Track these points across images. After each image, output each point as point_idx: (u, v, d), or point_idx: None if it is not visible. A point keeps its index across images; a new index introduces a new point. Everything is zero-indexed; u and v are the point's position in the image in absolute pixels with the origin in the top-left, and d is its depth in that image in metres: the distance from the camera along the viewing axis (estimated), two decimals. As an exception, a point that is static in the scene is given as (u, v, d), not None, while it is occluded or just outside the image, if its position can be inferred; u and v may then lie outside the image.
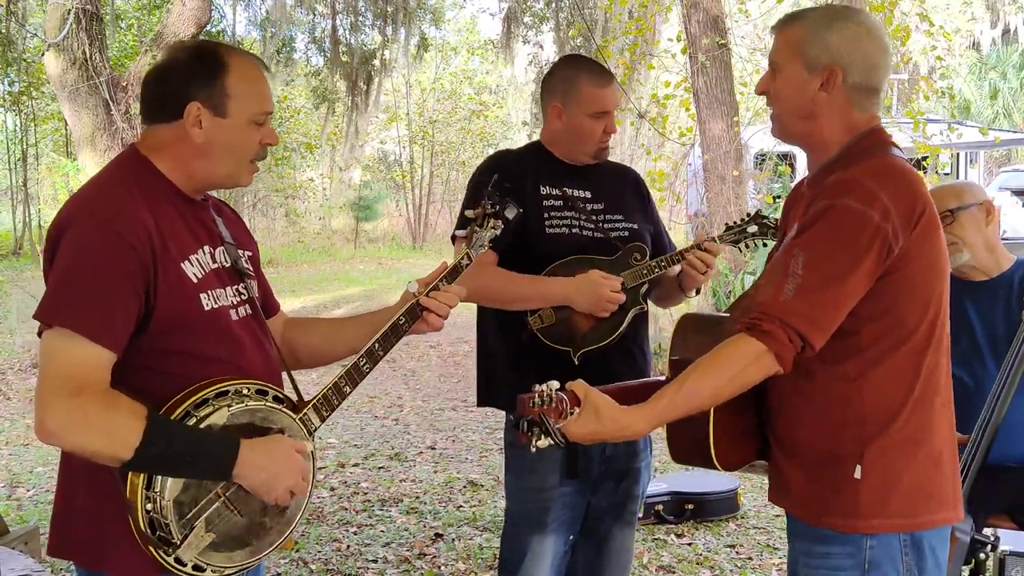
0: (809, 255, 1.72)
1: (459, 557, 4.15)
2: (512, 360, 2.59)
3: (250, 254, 1.96)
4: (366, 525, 4.56)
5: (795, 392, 1.83)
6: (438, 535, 4.43)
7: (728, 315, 2.02)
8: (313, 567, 4.01)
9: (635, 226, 2.65)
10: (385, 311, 2.01)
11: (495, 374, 2.65)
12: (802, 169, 11.72)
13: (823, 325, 1.71)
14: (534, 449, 1.71)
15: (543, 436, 1.69)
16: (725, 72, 9.04)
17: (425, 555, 4.19)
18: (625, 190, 2.73)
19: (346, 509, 4.78)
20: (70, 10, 8.48)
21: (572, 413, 1.71)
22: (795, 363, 1.73)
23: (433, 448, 6.01)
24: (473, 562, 4.10)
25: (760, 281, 1.91)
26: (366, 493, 5.08)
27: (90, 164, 8.89)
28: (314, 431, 1.85)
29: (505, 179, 2.26)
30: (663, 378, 1.92)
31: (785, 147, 13.14)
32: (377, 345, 1.92)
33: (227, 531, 1.69)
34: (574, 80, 2.57)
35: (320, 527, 4.50)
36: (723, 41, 8.95)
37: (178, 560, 1.63)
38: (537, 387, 1.71)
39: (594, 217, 2.60)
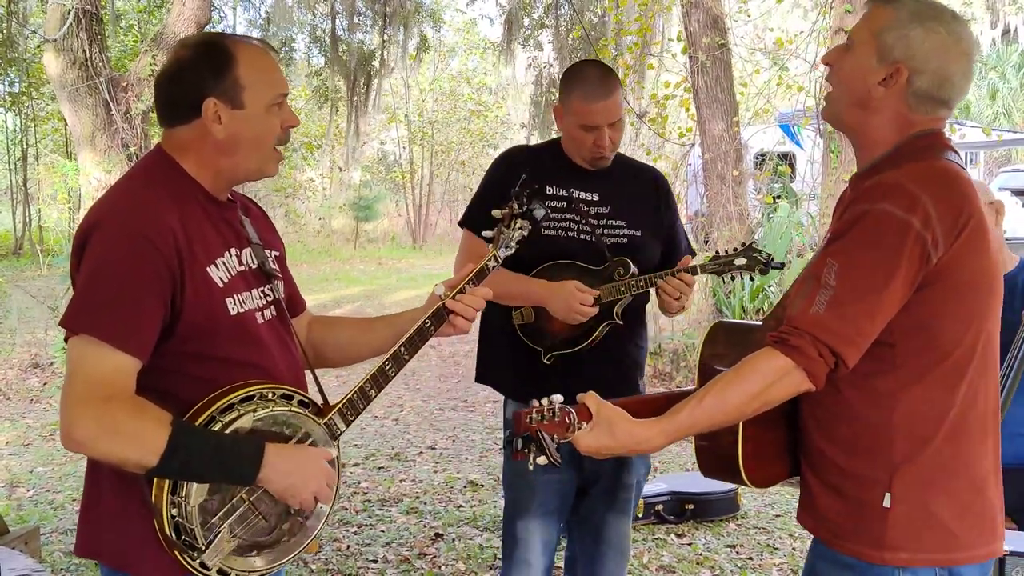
0: (843, 265, 1.61)
1: (459, 557, 4.15)
2: (501, 348, 2.73)
3: (277, 254, 1.95)
4: (366, 525, 4.56)
5: (824, 407, 1.73)
6: (438, 535, 4.43)
7: (761, 324, 1.91)
8: (313, 567, 4.01)
9: (637, 233, 2.64)
10: (412, 313, 2.02)
11: (490, 356, 2.80)
12: (802, 170, 11.70)
13: (857, 340, 1.61)
14: (531, 467, 1.65)
15: (540, 454, 1.62)
16: (725, 72, 9.04)
17: (425, 555, 4.19)
18: (638, 193, 2.72)
19: (346, 509, 4.78)
20: (70, 10, 8.48)
21: (580, 427, 1.65)
22: (828, 379, 1.64)
23: (433, 448, 6.01)
24: (473, 562, 4.10)
25: (792, 290, 1.82)
26: (366, 493, 5.08)
27: (90, 164, 8.90)
28: (339, 435, 1.84)
29: (517, 176, 2.26)
30: (690, 389, 1.84)
31: (785, 147, 13.13)
32: (403, 349, 1.92)
33: (251, 536, 1.69)
34: (571, 90, 2.59)
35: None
36: (723, 41, 8.95)
37: (203, 565, 1.63)
38: (535, 402, 1.65)
39: (594, 221, 2.62)
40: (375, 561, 4.12)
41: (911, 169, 1.65)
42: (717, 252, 2.62)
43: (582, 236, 2.60)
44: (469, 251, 2.60)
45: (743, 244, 2.61)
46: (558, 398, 1.66)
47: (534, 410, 1.64)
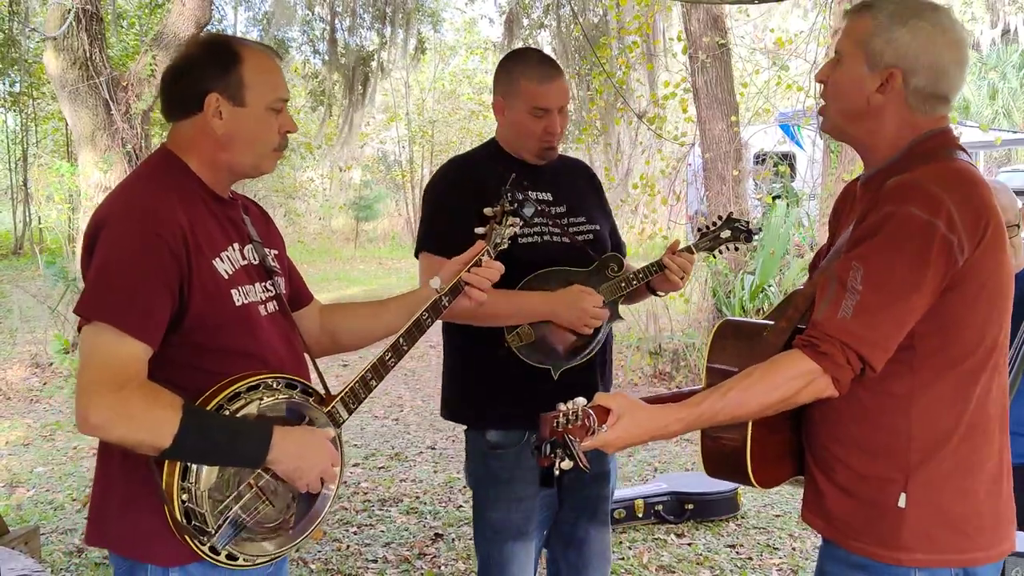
0: (869, 269, 1.59)
1: (459, 557, 4.16)
2: (483, 377, 2.50)
3: (276, 252, 2.01)
4: (366, 525, 4.57)
5: (836, 409, 1.71)
6: (438, 535, 4.43)
7: (771, 323, 1.87)
8: (313, 567, 4.01)
9: (598, 227, 2.60)
10: (423, 292, 2.09)
11: (464, 390, 2.56)
12: (802, 169, 11.70)
13: (885, 346, 1.60)
14: (557, 472, 1.61)
15: (567, 458, 1.59)
16: (725, 71, 9.04)
17: (425, 555, 4.20)
18: (582, 187, 2.66)
19: (346, 509, 4.79)
20: (70, 9, 8.47)
21: (600, 430, 1.62)
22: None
23: (433, 448, 6.01)
24: (473, 562, 4.09)
25: (807, 288, 1.80)
26: (366, 493, 5.08)
27: (89, 164, 8.89)
28: (342, 423, 1.90)
29: (471, 186, 2.23)
30: (698, 388, 1.81)
31: (785, 147, 13.12)
32: (402, 340, 2.00)
33: (259, 521, 1.75)
34: (514, 74, 2.48)
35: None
36: (723, 41, 8.95)
37: (212, 549, 1.68)
38: (561, 405, 1.62)
39: (560, 222, 2.52)
40: (375, 561, 4.12)
41: (930, 170, 1.63)
42: (701, 228, 2.58)
43: (555, 239, 2.50)
44: (433, 273, 2.20)
45: (720, 217, 2.56)
46: (581, 400, 1.63)
47: (560, 413, 1.62)
